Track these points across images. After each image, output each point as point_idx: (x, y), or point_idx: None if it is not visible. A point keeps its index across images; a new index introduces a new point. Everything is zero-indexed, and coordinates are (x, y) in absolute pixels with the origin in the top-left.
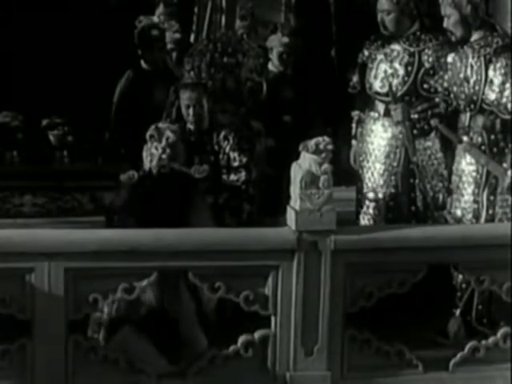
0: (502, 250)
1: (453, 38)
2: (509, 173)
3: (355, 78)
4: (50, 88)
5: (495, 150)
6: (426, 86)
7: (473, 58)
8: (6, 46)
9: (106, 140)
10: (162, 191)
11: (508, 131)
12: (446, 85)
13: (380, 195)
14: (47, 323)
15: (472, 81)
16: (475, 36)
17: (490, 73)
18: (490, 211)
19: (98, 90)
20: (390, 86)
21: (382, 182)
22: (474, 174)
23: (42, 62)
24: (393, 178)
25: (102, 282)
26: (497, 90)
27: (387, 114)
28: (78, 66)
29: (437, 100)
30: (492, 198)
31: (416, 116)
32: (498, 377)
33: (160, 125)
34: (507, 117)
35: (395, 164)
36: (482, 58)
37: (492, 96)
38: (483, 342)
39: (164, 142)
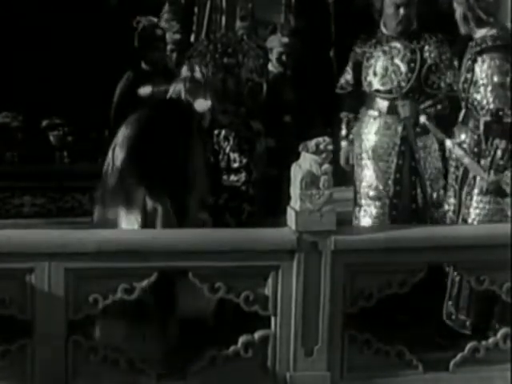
0: (502, 250)
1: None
2: (485, 175)
3: (343, 79)
4: (50, 89)
5: (476, 149)
6: (429, 82)
7: (466, 56)
8: (7, 47)
9: (106, 140)
10: (161, 116)
11: (490, 132)
12: (448, 81)
13: (384, 193)
14: (47, 323)
15: (462, 78)
16: (477, 34)
17: (476, 73)
18: (466, 210)
19: (98, 91)
20: (398, 82)
21: (385, 180)
22: (456, 171)
23: (42, 63)
24: (398, 175)
25: (101, 281)
26: (479, 90)
27: (390, 111)
28: (77, 66)
29: (440, 96)
30: (469, 197)
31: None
32: (497, 377)
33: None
34: (487, 118)
35: (400, 162)
36: (472, 57)
37: (475, 96)
38: (483, 343)
39: (190, 73)
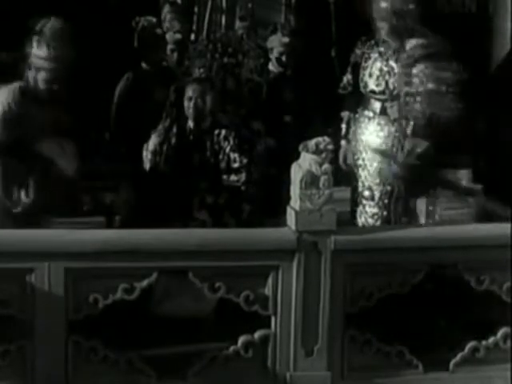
0: (502, 250)
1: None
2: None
3: (345, 79)
4: None
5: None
6: None
7: (399, 68)
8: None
9: (107, 140)
10: None
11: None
12: None
13: (376, 193)
14: (47, 323)
15: (404, 91)
16: (409, 45)
17: (413, 83)
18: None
19: (97, 91)
20: (387, 83)
21: (378, 181)
22: None
23: None
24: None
25: (102, 281)
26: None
27: (383, 112)
28: (77, 65)
29: None
30: None
31: None
32: (497, 377)
33: None
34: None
35: (391, 162)
36: (408, 68)
37: (414, 106)
38: (483, 342)
39: None
